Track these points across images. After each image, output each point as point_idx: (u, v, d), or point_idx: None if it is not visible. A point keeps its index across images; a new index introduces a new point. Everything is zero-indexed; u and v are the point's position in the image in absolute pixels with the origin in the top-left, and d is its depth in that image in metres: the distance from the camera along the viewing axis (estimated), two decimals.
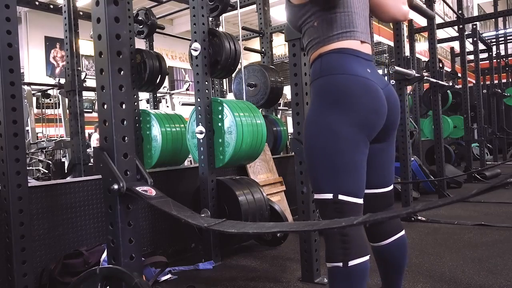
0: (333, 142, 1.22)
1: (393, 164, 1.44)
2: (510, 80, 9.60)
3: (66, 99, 3.60)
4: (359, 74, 1.26)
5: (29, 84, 5.99)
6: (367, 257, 1.19)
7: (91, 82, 4.12)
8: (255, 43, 5.31)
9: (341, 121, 1.22)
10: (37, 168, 5.41)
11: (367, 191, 1.34)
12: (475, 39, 6.46)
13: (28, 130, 5.61)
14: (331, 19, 1.29)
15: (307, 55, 1.41)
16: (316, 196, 1.25)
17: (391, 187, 1.43)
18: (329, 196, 1.21)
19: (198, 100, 2.49)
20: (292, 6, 1.38)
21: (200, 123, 2.47)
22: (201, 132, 2.46)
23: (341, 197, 1.20)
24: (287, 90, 5.52)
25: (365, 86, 1.25)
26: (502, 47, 9.28)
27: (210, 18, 3.27)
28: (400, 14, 1.39)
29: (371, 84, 1.26)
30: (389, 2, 1.38)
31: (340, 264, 1.16)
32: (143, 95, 5.94)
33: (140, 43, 3.36)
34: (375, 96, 1.25)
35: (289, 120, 6.88)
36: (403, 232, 1.41)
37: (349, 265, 1.16)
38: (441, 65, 4.94)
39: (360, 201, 1.23)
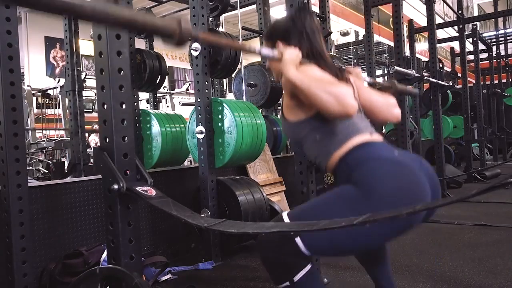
0: (343, 215, 1.05)
1: None
2: (510, 80, 9.60)
3: (66, 99, 3.60)
4: (390, 156, 1.20)
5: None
6: (309, 266, 1.18)
7: (91, 82, 4.13)
8: (255, 43, 5.30)
9: (368, 209, 1.02)
10: (37, 168, 5.41)
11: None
12: (475, 39, 6.46)
13: (28, 130, 5.61)
14: (331, 129, 1.26)
15: (320, 167, 1.35)
16: (283, 216, 1.20)
17: None
18: (303, 249, 1.14)
19: (198, 100, 2.49)
20: (288, 123, 1.35)
21: (200, 123, 2.47)
22: (201, 132, 2.46)
23: (302, 249, 1.14)
24: None
25: (399, 168, 1.16)
26: (502, 47, 9.28)
27: (210, 18, 3.26)
28: (392, 117, 1.44)
29: (406, 165, 1.17)
30: (381, 108, 1.42)
31: (288, 283, 1.18)
32: (143, 95, 5.94)
33: (140, 43, 3.36)
34: (413, 179, 1.13)
35: None
36: None
37: (295, 280, 1.17)
38: (441, 65, 4.93)
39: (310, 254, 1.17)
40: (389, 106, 1.43)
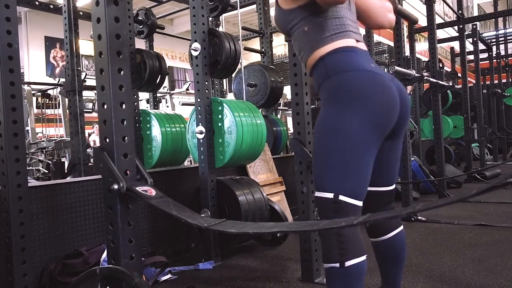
0: (342, 141, 1.20)
1: (398, 163, 1.43)
2: (510, 80, 9.59)
3: (66, 99, 3.60)
4: (367, 68, 1.25)
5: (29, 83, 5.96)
6: (363, 257, 1.19)
7: (91, 82, 4.13)
8: (255, 43, 5.31)
9: (353, 120, 1.20)
10: (37, 168, 5.41)
11: (370, 188, 1.34)
12: (475, 39, 6.46)
13: (28, 130, 5.61)
14: (321, 22, 1.29)
15: (302, 61, 1.40)
16: (317, 194, 1.24)
17: (393, 186, 1.43)
18: (330, 195, 1.20)
19: (198, 100, 2.49)
20: (281, 10, 1.37)
21: (200, 123, 2.47)
22: (201, 132, 2.46)
23: (341, 197, 1.19)
24: (287, 90, 5.52)
25: (376, 81, 1.23)
26: (502, 47, 9.28)
27: (210, 18, 3.26)
28: (386, 21, 1.43)
29: (381, 78, 1.24)
30: (376, 10, 1.41)
31: (337, 264, 1.17)
32: (143, 95, 5.94)
33: (140, 43, 3.36)
34: (387, 91, 1.23)
35: (289, 120, 6.88)
36: (401, 228, 1.44)
37: (345, 265, 1.16)
38: (441, 65, 4.94)
39: (360, 203, 1.22)
40: (384, 10, 1.42)
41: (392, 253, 1.43)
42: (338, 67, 1.26)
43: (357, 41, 1.32)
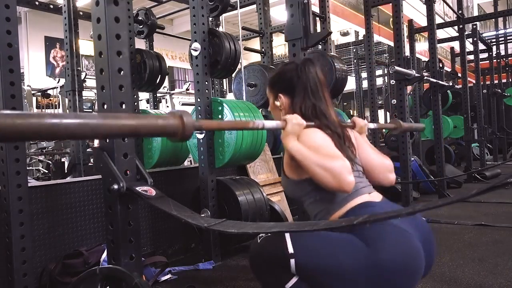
0: (342, 256, 1.13)
1: None
2: (510, 80, 9.59)
3: (66, 99, 3.60)
4: (393, 222, 1.20)
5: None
6: (297, 276, 1.16)
7: (91, 82, 4.13)
8: (255, 43, 5.31)
9: (368, 261, 1.11)
10: (37, 168, 5.41)
11: None
12: (475, 39, 6.46)
13: None
14: (332, 191, 1.25)
15: None
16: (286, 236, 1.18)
17: None
18: (291, 250, 1.14)
19: (198, 100, 2.49)
20: (289, 180, 1.35)
21: None
22: (201, 132, 2.46)
23: (292, 262, 1.13)
24: None
25: (396, 236, 1.16)
26: (502, 47, 9.28)
27: (210, 18, 3.26)
28: (387, 182, 1.44)
29: (401, 232, 1.17)
30: (377, 171, 1.42)
31: None
32: (143, 95, 5.94)
33: (140, 43, 3.36)
34: (407, 246, 1.15)
35: None
36: None
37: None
38: (441, 65, 4.93)
39: (295, 279, 1.17)
40: (385, 170, 1.43)
41: None
42: None
43: (369, 193, 1.31)
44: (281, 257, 1.14)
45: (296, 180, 1.31)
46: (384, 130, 6.75)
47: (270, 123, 1.34)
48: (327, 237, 1.16)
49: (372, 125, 1.68)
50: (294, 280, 1.15)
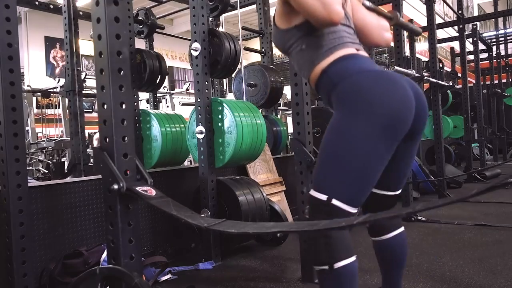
0: (348, 148, 1.16)
1: (410, 169, 1.39)
2: (510, 80, 9.59)
3: (66, 99, 3.60)
4: (373, 69, 1.24)
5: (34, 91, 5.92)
6: (352, 258, 1.18)
7: (91, 82, 4.13)
8: (255, 43, 5.30)
9: (362, 126, 1.15)
10: (37, 168, 5.41)
11: (374, 190, 1.33)
12: (475, 39, 6.46)
13: (28, 130, 5.61)
14: (318, 38, 1.29)
15: (304, 78, 1.40)
16: (312, 193, 1.21)
17: (399, 191, 1.41)
18: (323, 197, 1.17)
19: (198, 100, 2.49)
20: (278, 30, 1.37)
21: (200, 123, 2.47)
22: (201, 132, 2.46)
23: (334, 201, 1.16)
24: (287, 90, 5.51)
25: (384, 79, 1.19)
26: (502, 47, 9.27)
27: (210, 18, 3.26)
28: (383, 41, 1.44)
29: (390, 76, 1.21)
30: (373, 29, 1.42)
31: (326, 267, 1.16)
32: (143, 95, 5.94)
33: (140, 43, 3.36)
34: (398, 89, 1.18)
35: (289, 120, 6.87)
36: (402, 229, 1.44)
37: (335, 267, 1.15)
38: (441, 65, 4.94)
39: (354, 210, 1.19)
40: (381, 29, 1.43)
41: (392, 253, 1.44)
42: (343, 73, 1.23)
43: (357, 50, 1.32)
44: (325, 211, 1.16)
45: (286, 28, 1.34)
46: None
47: None
48: (331, 156, 1.19)
49: (368, 3, 1.64)
50: (351, 259, 1.17)
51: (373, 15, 1.46)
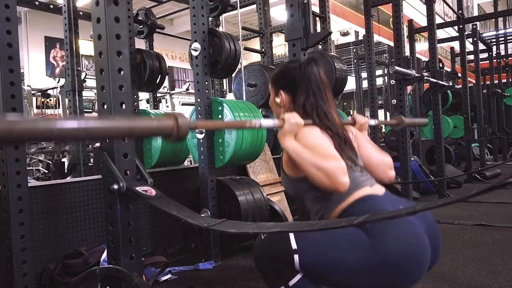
0: (348, 254, 1.13)
1: None
2: (510, 80, 9.59)
3: (66, 99, 3.60)
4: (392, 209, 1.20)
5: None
6: (301, 273, 1.17)
7: (91, 82, 4.14)
8: (255, 43, 5.31)
9: (374, 255, 1.11)
10: (37, 168, 5.41)
11: None
12: (475, 39, 6.46)
13: None
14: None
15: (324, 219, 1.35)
16: (290, 233, 1.19)
17: None
18: (294, 246, 1.15)
19: (198, 100, 2.49)
20: (288, 177, 1.35)
21: None
22: (201, 132, 2.46)
23: (296, 257, 1.14)
24: None
25: (402, 225, 1.15)
26: (502, 47, 9.27)
27: (210, 18, 3.26)
28: (386, 178, 1.44)
29: (407, 225, 1.16)
30: (378, 168, 1.43)
31: (283, 287, 1.17)
32: (143, 95, 5.94)
33: (140, 43, 3.36)
34: (413, 240, 1.15)
35: None
36: None
37: (290, 285, 1.16)
38: (441, 65, 4.93)
39: (299, 276, 1.18)
40: (385, 167, 1.44)
41: None
42: (363, 213, 1.21)
43: (371, 186, 1.31)
44: (285, 253, 1.15)
45: (295, 177, 1.31)
46: (383, 130, 6.75)
47: (267, 122, 1.33)
48: (330, 232, 1.15)
49: (373, 122, 1.66)
50: (298, 277, 1.16)
51: (376, 150, 1.45)
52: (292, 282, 1.16)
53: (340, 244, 1.14)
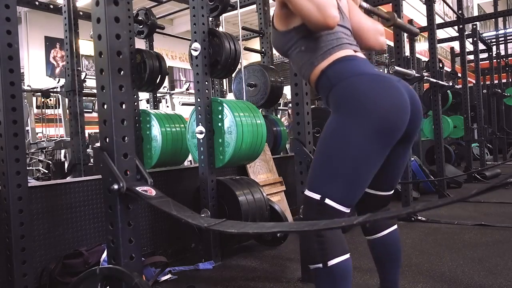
0: (342, 150, 1.18)
1: (403, 169, 1.41)
2: (510, 80, 9.59)
3: (66, 99, 3.60)
4: (370, 72, 1.25)
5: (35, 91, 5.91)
6: (346, 256, 1.19)
7: (91, 82, 4.14)
8: (255, 43, 5.30)
9: (357, 129, 1.16)
10: (37, 168, 5.41)
11: (368, 190, 1.34)
12: (475, 39, 6.46)
13: (28, 130, 5.61)
14: (317, 40, 1.30)
15: (304, 79, 1.40)
16: (306, 192, 1.23)
17: (392, 192, 1.44)
18: (317, 196, 1.19)
19: (198, 100, 2.49)
20: (277, 32, 1.39)
21: (200, 123, 2.47)
22: (201, 132, 2.46)
23: (328, 201, 1.18)
24: (287, 90, 5.51)
25: (380, 83, 1.20)
26: (502, 47, 9.27)
27: (210, 18, 3.26)
28: (377, 44, 1.46)
29: (386, 79, 1.22)
30: (368, 33, 1.44)
31: (320, 265, 1.17)
32: (143, 95, 5.94)
33: (140, 43, 3.36)
34: (395, 93, 1.19)
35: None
36: (395, 227, 1.46)
37: (329, 265, 1.16)
38: (441, 65, 4.94)
39: (347, 210, 1.21)
40: (376, 32, 1.45)
41: (386, 251, 1.45)
42: (340, 75, 1.25)
43: (355, 51, 1.33)
44: (318, 210, 1.18)
45: (284, 30, 1.35)
46: None
47: None
48: (326, 158, 1.20)
49: (365, 4, 1.62)
50: (345, 257, 1.19)
51: (368, 18, 1.48)
52: (331, 262, 1.17)
53: (340, 150, 1.19)
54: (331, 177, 1.19)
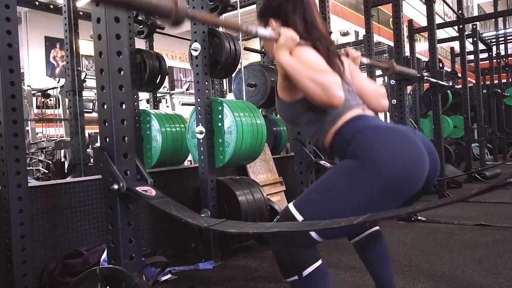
0: (350, 191, 1.13)
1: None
2: (510, 80, 9.59)
3: (66, 99, 3.60)
4: (384, 125, 1.23)
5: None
6: (319, 262, 1.19)
7: (91, 82, 4.14)
8: (255, 43, 5.31)
9: (372, 180, 1.12)
10: (37, 168, 5.41)
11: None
12: (475, 39, 6.46)
13: (28, 130, 5.61)
14: (324, 109, 1.27)
15: (318, 144, 1.38)
16: (290, 207, 1.20)
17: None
18: (299, 218, 1.16)
19: (198, 100, 2.49)
20: (283, 103, 1.36)
21: (200, 123, 2.47)
22: (201, 132, 2.46)
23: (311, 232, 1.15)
24: None
25: (396, 133, 1.17)
26: (502, 47, 9.28)
27: None
28: (380, 107, 1.46)
29: (403, 132, 1.18)
30: (371, 96, 1.44)
31: (296, 277, 1.18)
32: (143, 95, 5.94)
33: (140, 43, 3.36)
34: (410, 147, 1.15)
35: None
36: (377, 227, 1.49)
37: (304, 275, 1.17)
38: (441, 65, 4.94)
39: (320, 239, 1.19)
40: (378, 96, 1.45)
41: (371, 250, 1.46)
42: (354, 130, 1.22)
43: (364, 109, 1.33)
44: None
45: (290, 101, 1.33)
46: None
47: (263, 31, 1.33)
48: (324, 188, 1.17)
49: (365, 60, 1.64)
50: (318, 263, 1.18)
51: (370, 81, 1.49)
52: (306, 272, 1.17)
53: (338, 188, 1.15)
54: (324, 209, 1.16)
